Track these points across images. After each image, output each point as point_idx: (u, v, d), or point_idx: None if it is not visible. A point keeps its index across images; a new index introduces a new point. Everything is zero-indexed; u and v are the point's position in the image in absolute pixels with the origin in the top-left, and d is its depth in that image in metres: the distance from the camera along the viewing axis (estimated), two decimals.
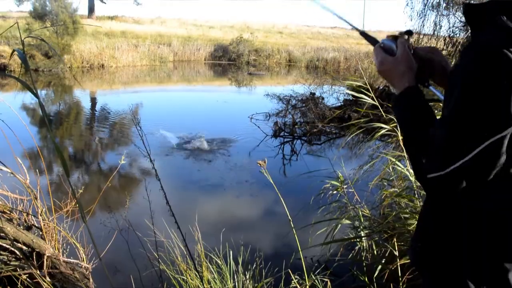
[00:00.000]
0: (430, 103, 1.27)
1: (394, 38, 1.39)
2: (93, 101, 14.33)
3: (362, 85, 4.13)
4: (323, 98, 11.82)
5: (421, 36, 10.88)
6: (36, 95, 1.06)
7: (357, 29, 1.56)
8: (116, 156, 7.69)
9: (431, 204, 1.28)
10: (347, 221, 3.90)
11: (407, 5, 9.10)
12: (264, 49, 30.14)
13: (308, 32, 42.90)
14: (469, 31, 7.99)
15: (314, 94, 11.78)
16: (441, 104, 1.24)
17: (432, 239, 1.25)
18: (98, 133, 9.34)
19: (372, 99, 3.54)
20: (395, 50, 1.36)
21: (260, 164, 2.37)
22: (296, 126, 10.04)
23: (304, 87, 12.38)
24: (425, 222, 1.31)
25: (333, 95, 13.15)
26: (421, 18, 8.73)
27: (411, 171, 3.57)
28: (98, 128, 10.02)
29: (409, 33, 1.40)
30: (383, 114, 3.81)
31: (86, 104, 13.72)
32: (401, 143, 4.17)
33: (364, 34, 1.55)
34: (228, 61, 28.46)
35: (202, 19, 42.82)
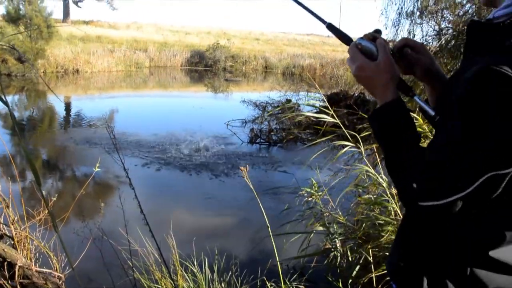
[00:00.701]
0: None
1: (372, 38, 1.20)
2: (67, 106, 14.13)
3: (324, 105, 4.17)
4: (299, 105, 11.90)
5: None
6: (5, 103, 1.05)
7: (324, 22, 1.35)
8: (90, 164, 7.60)
9: (415, 224, 1.23)
10: (322, 228, 3.93)
11: (381, 14, 9.22)
12: (241, 56, 30.20)
13: (285, 39, 43.18)
14: (442, 39, 8.13)
15: (290, 100, 11.86)
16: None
17: (417, 260, 1.20)
18: (71, 140, 9.21)
19: (332, 116, 3.56)
20: (376, 54, 1.17)
21: (242, 170, 2.38)
22: (272, 133, 10.08)
23: (280, 93, 12.45)
24: (407, 241, 1.26)
25: (309, 101, 13.25)
26: (395, 27, 8.87)
27: (385, 177, 3.62)
28: (71, 135, 9.87)
29: (378, 32, 1.23)
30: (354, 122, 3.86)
31: (59, 110, 13.53)
32: (376, 150, 4.22)
33: (333, 29, 1.34)
34: (204, 67, 28.42)
35: (178, 24, 42.67)
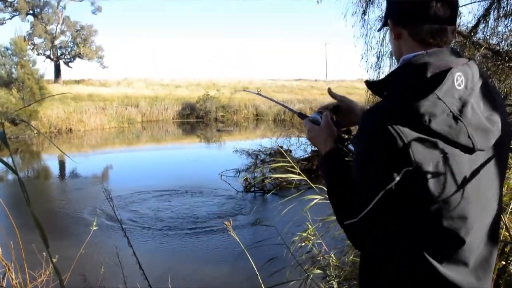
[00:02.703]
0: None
1: (320, 112, 1.72)
2: (62, 165, 14.26)
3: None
4: (290, 151, 12.09)
5: None
6: (16, 173, 1.19)
7: (294, 112, 1.97)
8: (87, 222, 7.67)
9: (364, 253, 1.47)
10: (319, 271, 4.01)
11: (362, 58, 9.55)
12: (231, 105, 30.67)
13: (273, 86, 43.87)
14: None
15: (281, 147, 12.05)
16: None
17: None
18: (67, 199, 9.30)
19: (300, 174, 3.80)
20: (320, 121, 1.66)
21: (226, 225, 2.52)
22: (266, 181, 10.21)
23: (272, 140, 12.67)
24: (363, 271, 1.48)
25: (300, 147, 13.45)
26: (376, 70, 9.18)
27: None
28: (68, 195, 9.97)
29: (337, 107, 1.75)
30: None
31: (55, 169, 13.65)
32: None
33: (299, 114, 1.89)
34: (196, 119, 28.79)
35: (168, 78, 43.41)
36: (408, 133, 1.20)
